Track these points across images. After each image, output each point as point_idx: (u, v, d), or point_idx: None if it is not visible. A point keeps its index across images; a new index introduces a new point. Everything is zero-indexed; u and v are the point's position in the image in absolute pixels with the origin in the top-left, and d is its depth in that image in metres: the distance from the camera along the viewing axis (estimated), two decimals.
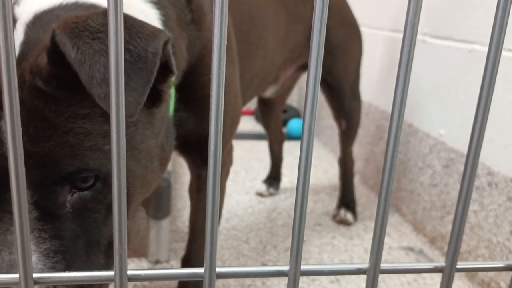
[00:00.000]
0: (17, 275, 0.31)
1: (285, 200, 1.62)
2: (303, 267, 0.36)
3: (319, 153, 2.12)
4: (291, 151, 2.09)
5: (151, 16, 0.65)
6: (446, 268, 0.38)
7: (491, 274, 1.11)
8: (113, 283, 0.34)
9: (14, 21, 0.55)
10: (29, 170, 0.40)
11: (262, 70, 1.09)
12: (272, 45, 1.11)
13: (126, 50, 0.47)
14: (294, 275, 0.35)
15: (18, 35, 0.54)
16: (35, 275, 0.32)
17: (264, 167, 1.89)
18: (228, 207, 1.55)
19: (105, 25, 0.41)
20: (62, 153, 0.50)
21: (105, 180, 0.53)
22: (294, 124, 2.28)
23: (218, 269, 0.34)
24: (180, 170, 1.79)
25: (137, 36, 0.48)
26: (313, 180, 1.80)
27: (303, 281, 1.17)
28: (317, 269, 0.37)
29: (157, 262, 1.21)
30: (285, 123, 2.36)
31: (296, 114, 2.45)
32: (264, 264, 1.23)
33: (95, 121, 0.52)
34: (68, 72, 0.46)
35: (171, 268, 0.35)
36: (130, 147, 0.55)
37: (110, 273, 0.33)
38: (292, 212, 1.49)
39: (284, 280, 1.14)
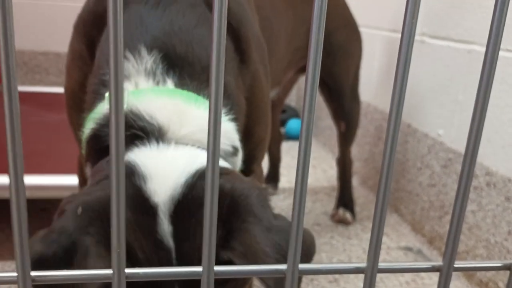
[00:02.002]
0: (15, 274, 0.32)
1: (283, 200, 1.62)
2: (301, 266, 0.36)
3: (317, 153, 2.12)
4: (289, 151, 2.09)
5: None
6: (444, 267, 0.38)
7: (489, 274, 1.11)
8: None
9: (152, 207, 0.50)
10: None
11: (273, 75, 1.09)
12: (282, 49, 1.12)
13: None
14: (292, 274, 0.35)
15: (165, 226, 0.49)
16: (32, 273, 0.32)
17: (263, 167, 1.89)
18: None
19: None
20: None
21: None
22: (292, 124, 2.28)
23: (216, 268, 0.34)
24: None
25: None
26: (312, 180, 1.80)
27: (302, 281, 1.17)
28: (316, 268, 0.37)
29: None
30: (283, 123, 2.36)
31: (295, 114, 2.45)
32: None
33: None
34: None
35: (169, 267, 0.35)
36: None
37: (108, 271, 0.33)
38: (291, 212, 1.49)
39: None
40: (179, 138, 0.57)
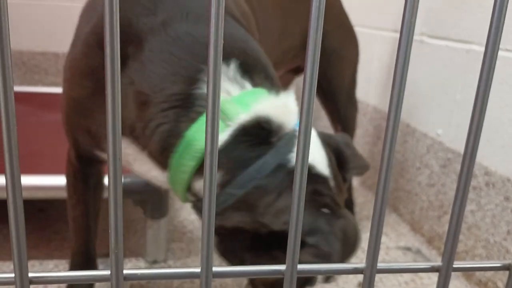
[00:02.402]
0: (12, 275, 0.31)
1: None
2: (300, 266, 0.36)
3: None
4: None
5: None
6: (443, 267, 0.38)
7: (488, 274, 1.11)
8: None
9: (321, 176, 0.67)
10: None
11: None
12: (269, 47, 1.12)
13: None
14: (290, 274, 0.35)
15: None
16: (30, 274, 0.32)
17: None
18: None
19: None
20: None
21: None
22: None
23: (214, 269, 0.34)
24: None
25: None
26: None
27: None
28: (315, 269, 0.37)
29: (154, 262, 1.21)
30: None
31: None
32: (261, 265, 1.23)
33: None
34: None
35: (168, 267, 0.35)
36: None
37: (106, 272, 0.32)
38: None
39: None
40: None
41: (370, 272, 0.36)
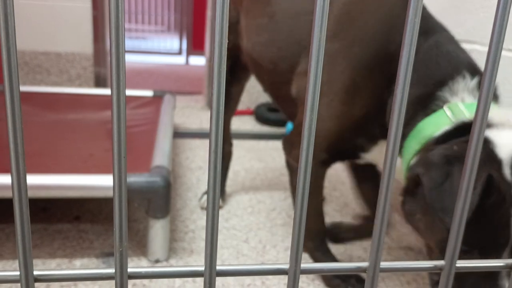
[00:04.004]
0: (17, 272, 0.32)
1: (284, 199, 1.62)
2: (303, 265, 0.36)
3: None
4: None
5: None
6: (446, 266, 0.38)
7: None
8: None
9: (497, 161, 0.79)
10: None
11: None
12: None
13: None
14: (294, 273, 0.35)
15: (507, 172, 0.78)
16: (35, 272, 0.32)
17: (263, 167, 1.89)
18: (228, 206, 1.55)
19: None
20: None
21: None
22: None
23: (218, 267, 0.34)
24: (179, 170, 1.79)
25: None
26: None
27: (303, 281, 1.17)
28: (317, 268, 0.37)
29: (156, 261, 1.21)
30: (285, 123, 2.36)
31: None
32: (264, 264, 1.23)
33: None
34: None
35: (171, 266, 0.35)
36: None
37: (110, 270, 0.33)
38: (292, 212, 1.49)
39: (283, 280, 1.14)
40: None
41: (373, 271, 0.37)
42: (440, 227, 0.81)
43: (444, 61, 0.90)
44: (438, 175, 0.79)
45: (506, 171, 0.77)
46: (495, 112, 0.84)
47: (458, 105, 0.86)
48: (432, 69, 0.89)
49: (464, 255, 0.78)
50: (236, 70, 1.42)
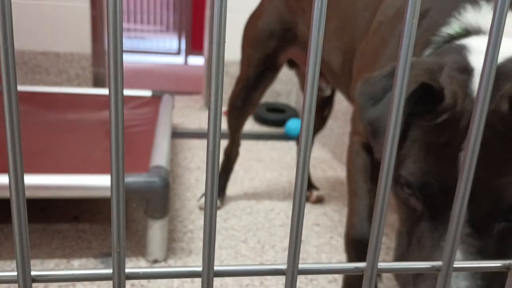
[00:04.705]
0: (15, 273, 0.32)
1: (283, 200, 1.62)
2: (301, 265, 0.36)
3: (317, 153, 2.12)
4: (290, 151, 2.10)
5: None
6: (444, 267, 0.38)
7: None
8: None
9: (470, 70, 0.64)
10: (480, 197, 0.57)
11: None
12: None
13: None
14: (292, 273, 0.35)
15: (477, 84, 0.64)
16: (33, 272, 0.32)
17: (262, 167, 1.89)
18: (227, 207, 1.55)
19: None
20: (508, 188, 0.59)
21: None
22: (292, 124, 2.28)
23: (216, 268, 0.34)
24: (178, 170, 1.79)
25: None
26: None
27: (301, 281, 1.17)
28: (315, 268, 0.37)
29: (155, 261, 1.21)
30: (283, 123, 2.36)
31: (295, 114, 2.46)
32: (262, 264, 1.23)
33: None
34: None
35: (169, 267, 0.35)
36: None
37: (108, 271, 0.33)
38: (290, 212, 1.49)
39: (282, 280, 1.14)
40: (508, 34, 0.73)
41: (371, 271, 0.37)
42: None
43: None
44: (372, 90, 0.67)
45: (476, 83, 0.61)
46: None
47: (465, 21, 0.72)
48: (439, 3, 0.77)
49: (401, 189, 0.65)
50: (266, 76, 1.40)
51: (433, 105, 0.62)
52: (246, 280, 1.16)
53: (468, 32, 0.72)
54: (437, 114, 0.61)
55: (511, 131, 0.58)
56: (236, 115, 1.49)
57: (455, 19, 0.74)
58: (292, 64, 1.44)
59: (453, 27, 0.73)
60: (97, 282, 1.11)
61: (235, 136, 1.55)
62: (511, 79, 0.61)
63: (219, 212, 1.49)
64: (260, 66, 1.38)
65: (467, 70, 0.63)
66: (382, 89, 0.66)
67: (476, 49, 0.66)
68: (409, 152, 0.64)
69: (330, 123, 1.72)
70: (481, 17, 0.73)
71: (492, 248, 0.61)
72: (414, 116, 0.63)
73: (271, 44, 1.34)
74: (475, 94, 0.59)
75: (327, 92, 1.51)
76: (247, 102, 1.44)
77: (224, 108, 2.16)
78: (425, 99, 0.62)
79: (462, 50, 0.66)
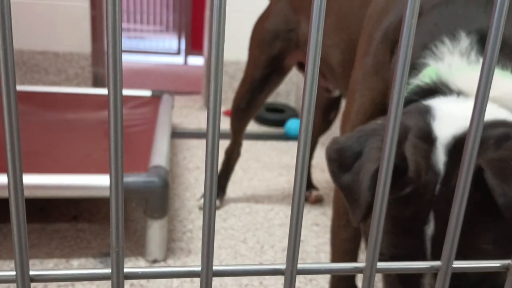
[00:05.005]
0: (13, 272, 0.32)
1: (282, 200, 1.62)
2: (300, 265, 0.36)
3: (316, 153, 2.12)
4: (289, 151, 2.10)
5: None
6: (443, 267, 0.38)
7: None
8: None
9: (433, 139, 0.60)
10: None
11: None
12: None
13: None
14: (290, 273, 0.35)
15: (440, 155, 0.58)
16: (32, 272, 0.32)
17: (261, 167, 1.89)
18: (226, 207, 1.55)
19: None
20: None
21: None
22: (292, 124, 2.28)
23: (215, 267, 0.34)
24: (177, 170, 1.79)
25: None
26: None
27: (300, 281, 1.17)
28: (314, 268, 0.37)
29: (154, 261, 1.21)
30: (283, 123, 2.36)
31: (294, 114, 2.46)
32: (261, 264, 1.23)
33: (500, 247, 0.55)
34: (490, 199, 0.52)
35: (168, 267, 0.35)
36: None
37: (107, 270, 0.33)
38: (289, 212, 1.49)
39: (281, 280, 1.14)
40: None
41: (370, 271, 0.37)
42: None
43: (440, 20, 0.71)
44: (340, 157, 0.64)
45: (439, 154, 0.58)
46: (470, 76, 0.66)
47: (437, 70, 0.68)
48: (419, 34, 0.71)
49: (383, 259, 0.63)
50: (272, 78, 1.40)
51: (397, 177, 0.58)
52: (245, 280, 1.16)
53: (436, 87, 0.67)
54: (401, 187, 0.58)
55: (475, 208, 0.54)
56: (240, 117, 1.48)
57: (429, 57, 0.70)
58: (302, 67, 1.43)
59: (424, 75, 0.69)
60: (96, 282, 1.11)
61: (237, 137, 1.54)
62: (482, 151, 0.56)
63: (218, 212, 1.49)
64: (266, 68, 1.37)
65: (430, 140, 0.59)
66: (350, 156, 0.63)
67: (440, 115, 0.61)
68: None
69: None
70: (454, 64, 0.68)
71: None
72: None
73: (277, 45, 1.34)
74: (437, 165, 0.57)
75: (336, 93, 1.50)
76: (252, 104, 1.43)
77: (224, 108, 2.16)
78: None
79: (427, 115, 0.62)
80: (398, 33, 0.78)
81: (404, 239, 0.59)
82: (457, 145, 0.58)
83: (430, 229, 0.57)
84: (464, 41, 0.69)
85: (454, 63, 0.68)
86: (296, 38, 1.30)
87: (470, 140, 0.35)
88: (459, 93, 0.65)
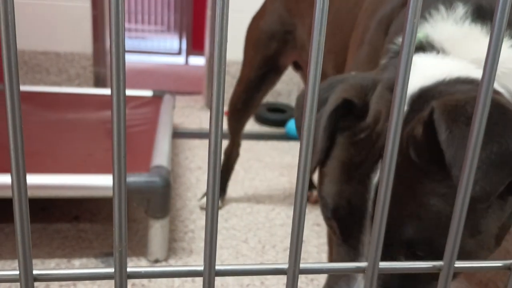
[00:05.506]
0: (17, 272, 0.32)
1: (283, 199, 1.62)
2: (302, 265, 0.36)
3: None
4: (290, 151, 2.10)
5: None
6: (444, 267, 0.38)
7: (489, 274, 1.11)
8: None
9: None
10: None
11: None
12: None
13: (496, 142, 0.49)
14: (293, 273, 0.35)
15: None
16: (35, 272, 0.32)
17: (262, 167, 1.89)
18: (227, 207, 1.55)
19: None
20: (407, 221, 0.54)
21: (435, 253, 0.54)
22: (293, 124, 2.29)
23: (217, 267, 0.34)
24: (179, 170, 1.79)
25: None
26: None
27: (302, 281, 1.17)
28: (316, 267, 0.37)
29: (156, 261, 1.21)
30: (284, 123, 2.36)
31: None
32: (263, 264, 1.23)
33: (447, 202, 0.54)
34: (439, 149, 0.50)
35: (171, 266, 0.35)
36: (473, 228, 0.55)
37: (110, 270, 0.33)
38: (291, 212, 1.49)
39: (282, 280, 1.14)
40: (459, 54, 0.64)
41: (372, 271, 0.37)
42: None
43: None
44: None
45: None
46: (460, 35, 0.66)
47: (428, 33, 0.67)
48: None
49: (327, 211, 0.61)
50: (269, 77, 1.39)
51: (355, 122, 0.59)
52: (246, 280, 1.16)
53: (421, 45, 0.67)
54: (356, 132, 0.59)
55: (422, 158, 0.54)
56: (237, 117, 1.48)
57: (422, 24, 0.69)
58: (297, 66, 1.43)
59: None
60: (98, 282, 1.11)
61: (235, 137, 1.54)
62: (429, 105, 0.56)
63: (219, 212, 1.49)
64: (262, 68, 1.37)
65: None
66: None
67: (413, 68, 0.60)
68: (329, 171, 0.61)
69: None
70: (444, 27, 0.68)
71: (400, 283, 0.57)
72: (340, 132, 0.61)
73: (272, 46, 1.34)
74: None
75: None
76: (249, 104, 1.43)
77: (225, 108, 2.16)
78: (351, 115, 0.60)
79: None
80: (392, 18, 0.78)
81: (349, 187, 0.58)
82: (422, 96, 0.58)
83: (376, 177, 0.56)
84: (460, 10, 0.68)
85: (446, 28, 0.68)
86: (293, 40, 1.30)
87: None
88: (439, 51, 0.65)
